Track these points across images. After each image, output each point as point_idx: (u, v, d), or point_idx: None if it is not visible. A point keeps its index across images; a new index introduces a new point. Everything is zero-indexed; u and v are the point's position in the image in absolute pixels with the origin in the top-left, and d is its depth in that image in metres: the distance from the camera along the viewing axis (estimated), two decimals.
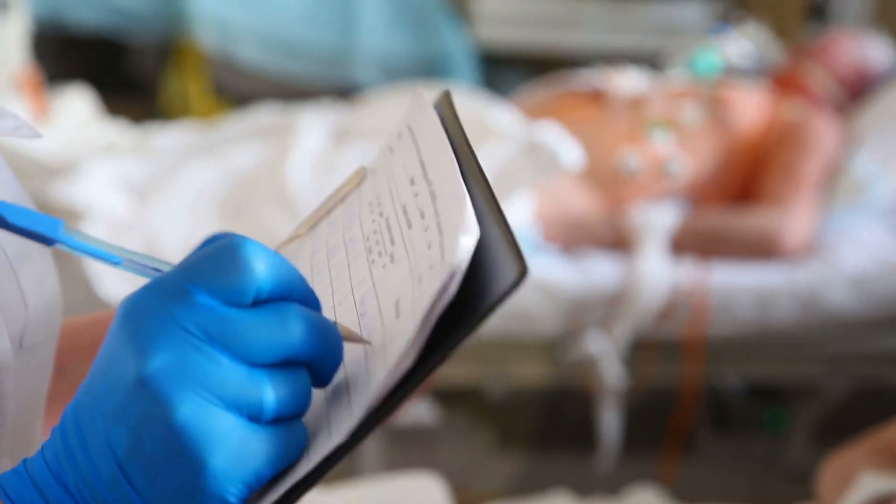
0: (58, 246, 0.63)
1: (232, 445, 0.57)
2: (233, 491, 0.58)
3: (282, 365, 0.59)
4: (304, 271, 0.75)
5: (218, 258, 0.59)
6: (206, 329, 0.57)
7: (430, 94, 0.79)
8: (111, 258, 0.64)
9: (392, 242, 0.68)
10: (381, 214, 0.72)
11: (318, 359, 0.60)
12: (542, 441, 2.83)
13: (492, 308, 0.57)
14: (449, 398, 2.58)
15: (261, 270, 0.59)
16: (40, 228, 0.63)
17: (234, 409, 0.57)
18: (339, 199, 0.80)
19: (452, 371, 2.47)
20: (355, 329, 0.65)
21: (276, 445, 0.59)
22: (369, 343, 0.64)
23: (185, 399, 0.56)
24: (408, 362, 0.58)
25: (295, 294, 0.60)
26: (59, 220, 0.63)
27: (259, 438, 0.58)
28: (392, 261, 0.67)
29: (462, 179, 0.64)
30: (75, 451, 0.59)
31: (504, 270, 0.58)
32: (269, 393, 0.58)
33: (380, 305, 0.65)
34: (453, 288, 0.58)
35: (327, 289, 0.72)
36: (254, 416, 0.58)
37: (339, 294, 0.70)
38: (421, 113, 0.75)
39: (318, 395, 0.64)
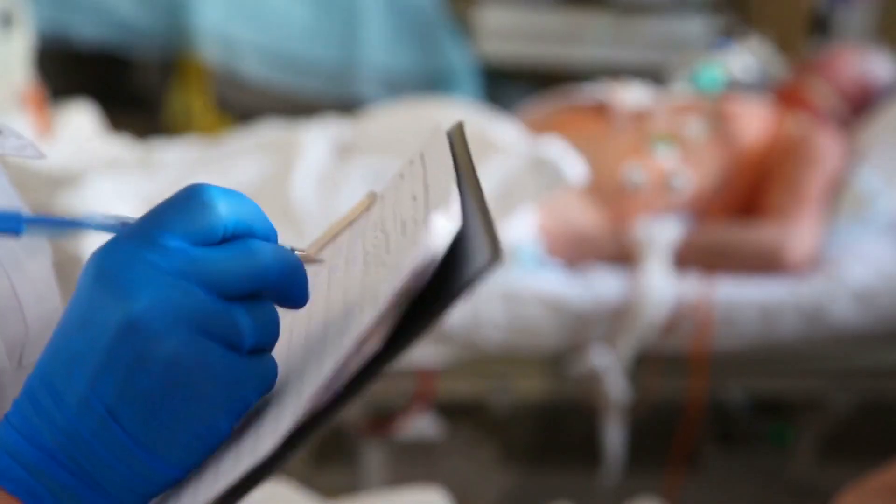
0: (27, 232, 0.64)
1: (221, 374, 0.60)
2: (225, 416, 0.61)
3: (252, 297, 0.62)
4: None
5: (182, 204, 0.62)
6: (180, 269, 0.60)
7: (447, 123, 0.79)
8: (78, 221, 0.66)
9: (388, 251, 0.69)
10: (382, 231, 0.73)
11: (285, 286, 0.63)
12: (545, 455, 2.83)
13: (463, 289, 0.57)
14: (453, 412, 2.58)
15: (224, 210, 0.62)
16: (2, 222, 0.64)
17: (218, 341, 0.60)
18: (346, 224, 0.81)
19: (456, 385, 2.47)
20: (339, 320, 0.66)
21: (257, 374, 0.62)
22: (323, 261, 0.68)
23: (174, 334, 0.59)
24: (374, 343, 0.59)
25: (256, 229, 0.64)
26: (18, 210, 0.65)
27: (242, 367, 0.61)
28: (383, 265, 0.68)
29: (458, 187, 0.65)
30: (50, 411, 0.60)
31: (478, 255, 0.58)
32: (247, 323, 0.61)
33: (363, 302, 0.65)
34: (429, 270, 0.58)
35: (322, 303, 0.73)
36: (235, 345, 0.61)
37: (333, 306, 0.70)
38: (434, 144, 0.76)
39: (289, 355, 0.67)
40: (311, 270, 0.79)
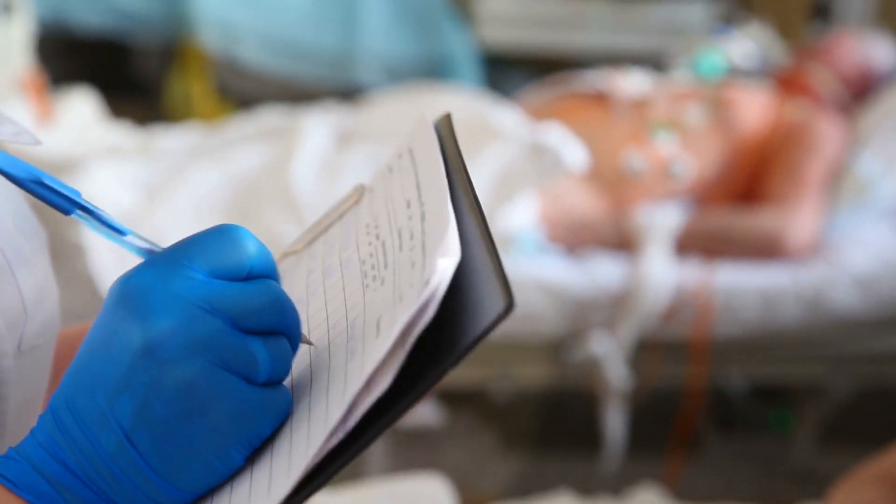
0: (74, 214, 0.66)
1: (235, 404, 0.61)
2: (238, 447, 0.62)
3: (268, 333, 0.63)
4: (300, 291, 0.77)
5: (212, 239, 0.63)
6: (204, 298, 0.61)
7: (432, 113, 0.79)
8: (119, 228, 0.67)
9: (385, 266, 0.69)
10: (377, 237, 0.73)
11: (292, 330, 0.65)
12: (546, 442, 2.83)
13: (476, 340, 0.59)
14: (453, 399, 2.58)
15: (252, 250, 0.64)
16: (65, 191, 0.66)
17: (235, 371, 0.61)
18: (336, 216, 0.81)
19: (457, 373, 2.46)
20: (341, 353, 0.66)
21: (271, 405, 0.63)
22: (312, 344, 0.69)
23: (191, 361, 0.60)
24: (385, 381, 0.59)
25: (273, 275, 0.66)
26: (77, 190, 0.67)
27: (257, 399, 0.62)
28: (382, 283, 0.68)
29: (451, 203, 0.65)
30: (72, 430, 0.62)
31: (490, 302, 0.59)
32: (263, 356, 0.62)
33: (365, 326, 0.66)
34: (432, 309, 0.59)
35: (322, 311, 0.73)
36: (251, 377, 0.62)
37: (334, 318, 0.71)
38: (422, 136, 0.76)
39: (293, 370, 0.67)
40: (305, 268, 0.79)
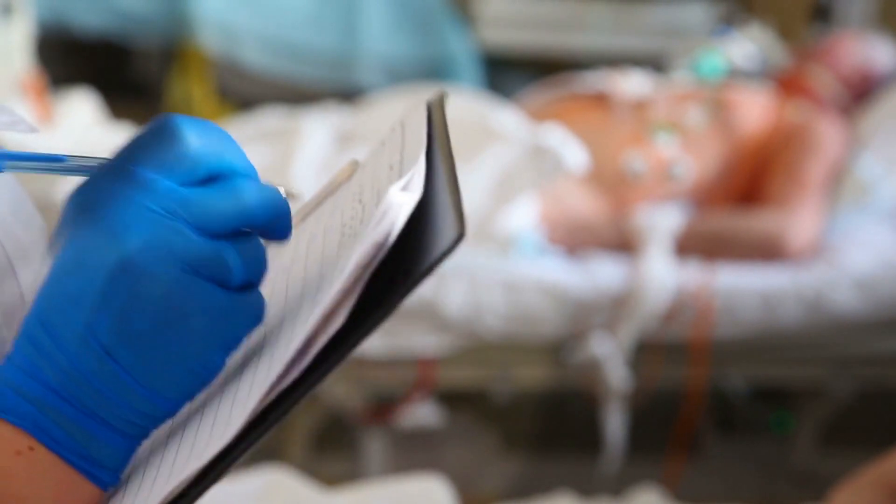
0: (6, 170, 0.66)
1: (213, 310, 0.62)
2: (219, 351, 0.63)
3: (239, 234, 0.63)
4: (287, 259, 0.77)
5: (155, 138, 0.63)
6: (169, 208, 0.61)
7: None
8: (56, 158, 0.67)
9: (361, 222, 0.70)
10: (360, 201, 0.73)
11: (270, 222, 0.64)
12: (546, 443, 2.83)
13: (429, 269, 0.58)
14: (453, 401, 2.58)
15: (198, 145, 0.63)
16: None
17: (208, 278, 0.61)
18: (330, 191, 0.81)
19: (457, 374, 2.47)
20: (308, 303, 0.66)
21: (246, 309, 0.63)
22: (295, 196, 0.69)
23: (167, 272, 0.60)
24: (341, 315, 0.59)
25: (237, 167, 0.64)
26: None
27: (232, 303, 0.62)
28: (355, 236, 0.68)
29: (426, 163, 0.65)
30: (50, 350, 0.62)
31: (444, 230, 0.58)
32: (235, 260, 0.62)
33: (333, 275, 0.66)
34: (389, 241, 0.59)
35: (301, 272, 0.73)
36: (225, 282, 0.62)
37: (310, 277, 0.71)
38: (414, 113, 0.76)
39: (265, 326, 0.68)
40: (294, 240, 0.80)
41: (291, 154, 2.58)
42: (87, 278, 0.61)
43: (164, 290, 0.61)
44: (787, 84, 2.93)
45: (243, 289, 0.63)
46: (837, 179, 2.68)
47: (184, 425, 0.66)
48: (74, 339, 0.61)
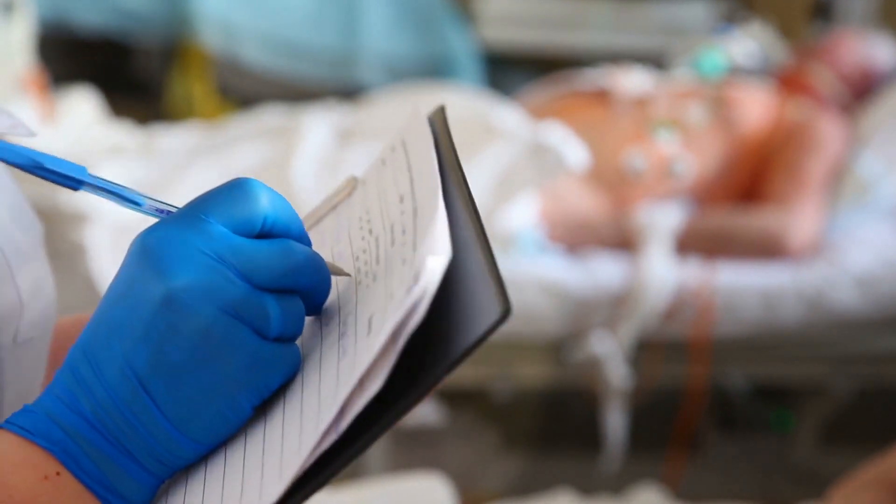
0: (84, 189, 0.68)
1: (246, 354, 0.63)
2: (248, 396, 0.64)
3: (282, 291, 0.65)
4: None
5: (228, 193, 0.65)
6: (220, 254, 0.63)
7: (427, 107, 0.79)
8: (134, 198, 0.69)
9: (377, 262, 0.69)
10: (370, 232, 0.73)
11: (312, 288, 0.66)
12: (546, 441, 2.83)
13: (472, 347, 0.59)
14: (454, 399, 2.58)
15: (267, 204, 0.66)
16: (69, 171, 0.68)
17: (247, 324, 0.63)
18: (329, 208, 0.81)
19: (457, 372, 2.45)
20: (333, 351, 0.67)
21: (280, 359, 0.65)
22: (349, 275, 0.70)
23: (207, 311, 0.62)
24: (377, 382, 0.59)
25: (293, 230, 0.68)
26: (83, 166, 0.69)
27: (267, 351, 0.64)
28: (374, 280, 0.68)
29: (443, 199, 0.64)
30: (88, 380, 0.63)
31: (487, 307, 0.58)
32: (276, 312, 0.64)
33: (357, 324, 0.66)
34: (422, 308, 0.59)
35: None
36: (262, 331, 0.64)
37: (326, 314, 0.71)
38: (416, 129, 0.75)
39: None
40: None
41: (292, 152, 2.58)
42: (130, 309, 0.63)
43: (203, 326, 0.62)
44: (788, 82, 2.93)
45: (279, 341, 0.65)
46: (838, 178, 2.68)
47: (205, 475, 0.65)
48: (113, 367, 0.63)
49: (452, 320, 0.60)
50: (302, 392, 0.65)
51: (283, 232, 0.67)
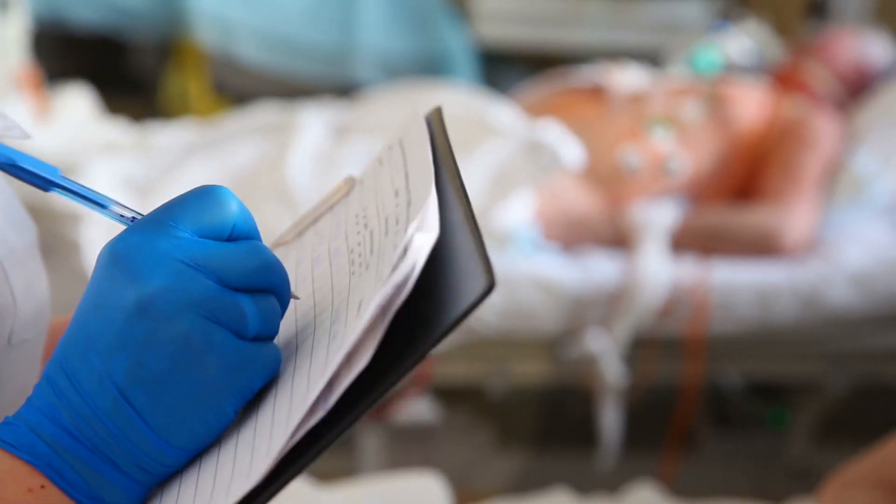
0: (54, 190, 0.68)
1: (226, 356, 0.63)
2: (230, 399, 0.64)
3: (255, 290, 0.65)
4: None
5: (197, 200, 0.65)
6: (192, 257, 0.63)
7: (424, 107, 0.79)
8: (100, 200, 0.69)
9: (371, 252, 0.70)
10: (366, 227, 0.73)
11: (283, 287, 0.67)
12: (542, 439, 2.83)
13: (458, 320, 0.59)
14: (449, 396, 2.58)
15: (235, 210, 0.66)
16: (42, 171, 0.68)
17: (224, 325, 0.63)
18: (326, 207, 0.81)
19: (453, 369, 2.47)
20: (325, 337, 0.67)
21: (260, 360, 0.64)
22: (298, 298, 0.71)
23: (183, 317, 0.62)
24: (364, 356, 0.59)
25: (255, 236, 0.68)
26: (56, 167, 0.69)
27: (247, 352, 0.64)
28: (367, 268, 0.69)
29: (436, 188, 0.65)
30: (67, 392, 0.63)
31: (472, 281, 0.59)
32: (252, 311, 0.64)
33: (348, 309, 0.66)
34: (409, 283, 0.60)
35: (309, 299, 0.74)
36: (240, 331, 0.64)
37: (321, 305, 0.71)
38: (413, 130, 0.76)
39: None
40: (294, 258, 0.80)
41: (287, 149, 2.58)
42: (105, 319, 0.63)
43: (181, 332, 0.62)
44: (784, 79, 2.93)
45: (258, 340, 0.65)
46: (833, 175, 2.68)
47: (199, 465, 0.65)
48: (91, 380, 0.63)
49: (439, 295, 0.61)
50: (293, 377, 0.65)
51: (251, 234, 0.68)
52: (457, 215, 0.64)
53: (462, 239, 0.62)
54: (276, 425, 0.62)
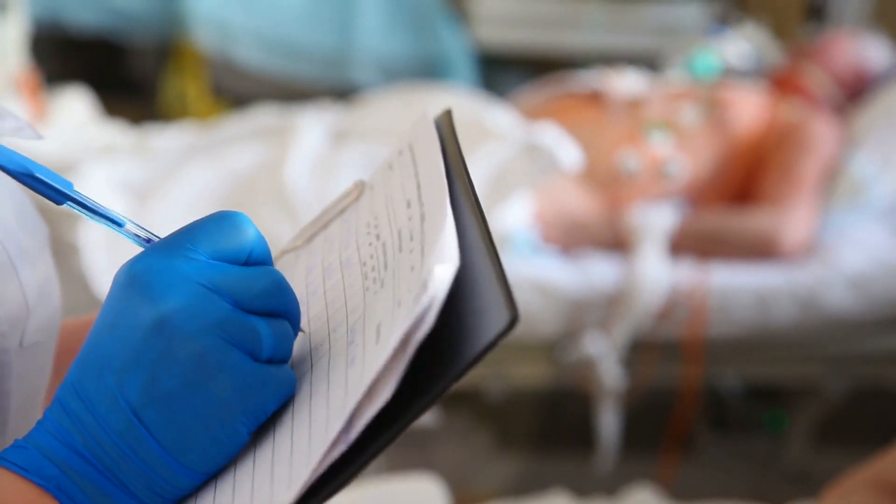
0: (67, 205, 0.69)
1: (240, 377, 0.63)
2: (244, 420, 0.64)
3: (270, 314, 0.65)
4: (300, 290, 0.76)
5: (216, 225, 0.66)
6: (210, 280, 0.63)
7: (434, 110, 0.78)
8: (116, 219, 0.69)
9: (385, 268, 0.69)
10: (377, 238, 0.72)
11: (293, 315, 0.67)
12: (541, 442, 2.83)
13: (481, 355, 0.59)
14: (448, 399, 2.58)
15: (252, 235, 0.67)
16: (57, 184, 0.68)
17: (239, 346, 0.63)
18: (336, 212, 0.80)
19: None
20: (341, 358, 0.67)
21: (274, 382, 0.64)
22: (304, 332, 0.70)
23: (200, 336, 0.62)
24: (386, 391, 0.59)
25: (269, 261, 0.68)
26: (70, 182, 0.69)
27: (261, 374, 0.64)
28: (382, 286, 0.68)
29: (450, 206, 0.64)
30: (80, 413, 0.63)
31: (494, 314, 0.58)
32: (267, 333, 0.64)
33: (365, 331, 0.66)
34: (431, 317, 0.59)
35: (322, 313, 0.73)
36: (254, 353, 0.64)
37: (334, 320, 0.71)
38: (423, 134, 0.75)
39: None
40: (304, 265, 0.79)
41: (286, 152, 2.58)
42: (121, 338, 0.63)
43: (197, 351, 0.62)
44: (782, 83, 2.93)
45: (272, 363, 0.65)
46: (831, 178, 2.68)
47: (215, 491, 0.65)
48: (104, 400, 0.63)
49: (460, 328, 0.60)
50: (311, 401, 0.65)
51: (267, 259, 0.68)
52: (474, 238, 0.63)
53: (481, 262, 0.62)
54: (297, 455, 0.61)
